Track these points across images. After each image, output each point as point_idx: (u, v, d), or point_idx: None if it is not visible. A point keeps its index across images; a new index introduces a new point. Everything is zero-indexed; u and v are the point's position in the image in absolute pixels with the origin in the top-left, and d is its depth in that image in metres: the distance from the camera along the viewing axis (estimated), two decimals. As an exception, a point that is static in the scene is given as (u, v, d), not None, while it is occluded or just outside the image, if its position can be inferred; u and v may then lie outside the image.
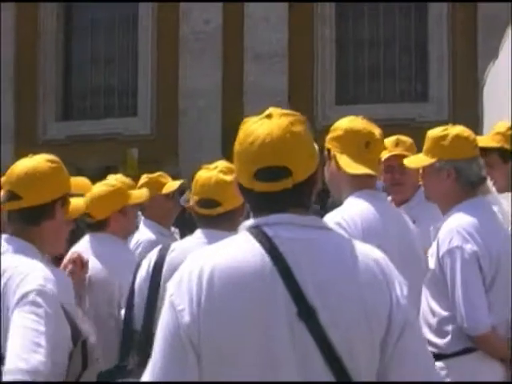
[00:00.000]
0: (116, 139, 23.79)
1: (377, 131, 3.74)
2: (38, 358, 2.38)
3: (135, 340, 3.30)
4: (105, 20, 27.24)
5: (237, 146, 2.20)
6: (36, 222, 2.88)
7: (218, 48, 25.91)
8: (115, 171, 9.48)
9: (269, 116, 2.26)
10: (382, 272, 2.11)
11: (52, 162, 2.96)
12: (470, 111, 22.23)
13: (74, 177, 3.18)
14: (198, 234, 3.46)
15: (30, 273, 2.71)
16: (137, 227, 5.39)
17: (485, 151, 4.57)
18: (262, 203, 2.14)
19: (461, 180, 4.08)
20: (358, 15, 25.90)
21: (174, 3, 25.39)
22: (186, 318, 2.01)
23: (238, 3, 25.01)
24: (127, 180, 4.60)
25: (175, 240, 4.74)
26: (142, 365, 3.21)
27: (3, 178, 3.02)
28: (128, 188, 4.46)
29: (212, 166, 3.56)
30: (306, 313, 1.97)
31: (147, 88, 26.75)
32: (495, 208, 4.19)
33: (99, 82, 27.71)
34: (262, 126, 2.21)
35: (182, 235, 4.98)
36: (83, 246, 4.26)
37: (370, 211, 3.67)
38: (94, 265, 3.94)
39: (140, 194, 4.54)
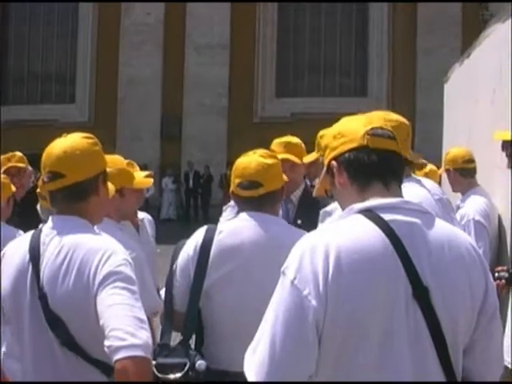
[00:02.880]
0: (53, 126, 23.47)
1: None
2: (146, 334, 2.42)
3: (175, 319, 3.34)
4: (44, 5, 26.86)
5: (339, 125, 2.33)
6: (82, 197, 2.81)
7: (159, 38, 25.81)
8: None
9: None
10: (477, 255, 2.25)
11: (88, 138, 2.88)
12: (407, 106, 22.56)
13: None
14: (244, 216, 3.42)
15: (109, 248, 2.66)
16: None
17: None
18: (373, 164, 2.24)
19: None
20: (300, 10, 26.07)
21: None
22: (313, 302, 2.05)
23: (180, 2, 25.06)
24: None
25: None
26: (184, 344, 3.24)
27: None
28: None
29: (250, 152, 3.62)
30: (420, 293, 2.11)
31: (86, 75, 26.49)
32: None
33: (36, 67, 27.35)
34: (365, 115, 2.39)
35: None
36: None
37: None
38: None
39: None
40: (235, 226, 3.43)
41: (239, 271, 3.31)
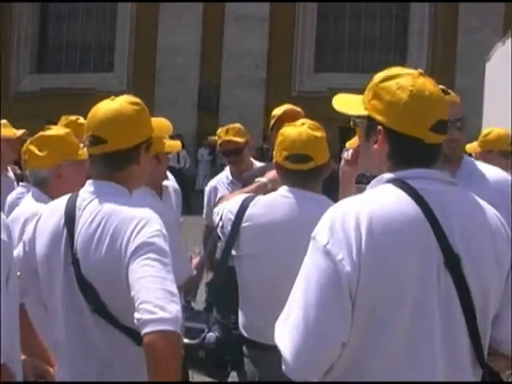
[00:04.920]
0: (91, 94, 23.55)
1: None
2: (176, 308, 2.40)
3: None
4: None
5: (406, 98, 2.17)
6: (121, 166, 2.73)
7: (199, 8, 25.70)
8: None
9: (421, 74, 2.26)
10: (502, 224, 2.26)
11: (135, 104, 2.79)
12: (446, 85, 22.36)
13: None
14: (283, 191, 3.37)
15: (143, 218, 2.61)
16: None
17: None
18: (420, 154, 2.19)
19: None
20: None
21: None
22: (347, 267, 2.04)
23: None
24: None
25: None
26: (209, 308, 3.31)
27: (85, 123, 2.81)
28: None
29: (298, 123, 3.48)
30: (452, 262, 2.11)
31: (124, 44, 26.47)
32: None
33: (76, 35, 27.39)
34: (426, 83, 2.23)
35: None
36: None
37: None
38: None
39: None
40: (272, 202, 3.39)
41: (269, 252, 3.30)
